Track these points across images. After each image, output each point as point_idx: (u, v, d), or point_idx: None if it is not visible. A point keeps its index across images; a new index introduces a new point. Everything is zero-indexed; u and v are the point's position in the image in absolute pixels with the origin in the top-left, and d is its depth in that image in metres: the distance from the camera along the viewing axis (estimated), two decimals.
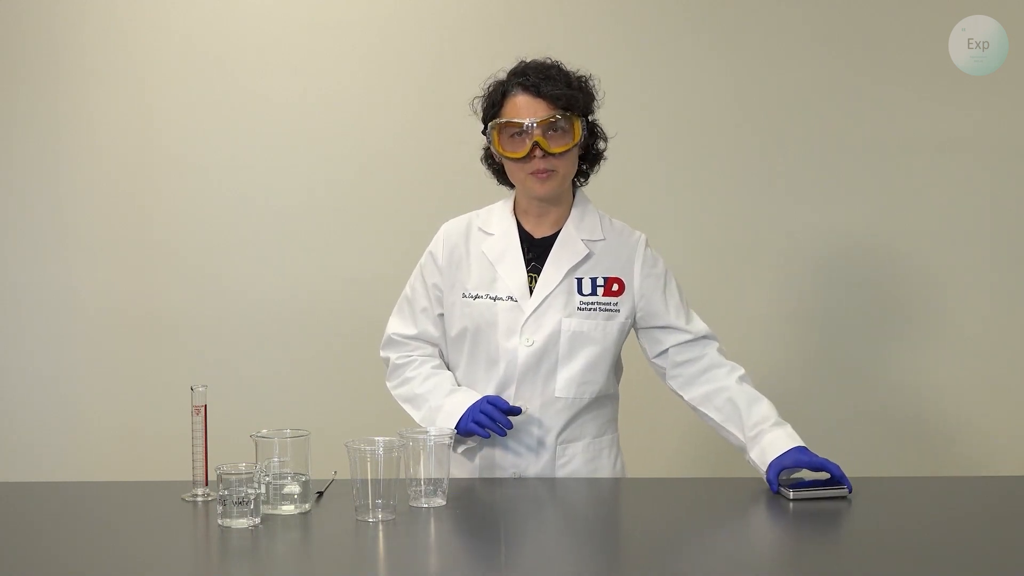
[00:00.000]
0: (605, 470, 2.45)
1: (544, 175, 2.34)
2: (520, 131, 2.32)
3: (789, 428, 2.35)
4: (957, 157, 3.55)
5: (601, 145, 2.47)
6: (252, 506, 1.99)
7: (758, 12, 3.54)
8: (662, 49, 3.55)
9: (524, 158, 2.32)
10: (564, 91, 2.32)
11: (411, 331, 2.50)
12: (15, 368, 3.61)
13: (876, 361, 3.59)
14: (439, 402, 2.38)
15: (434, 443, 2.11)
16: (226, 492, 1.99)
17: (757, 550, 1.92)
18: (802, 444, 2.29)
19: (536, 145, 2.30)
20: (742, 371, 2.45)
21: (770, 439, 2.31)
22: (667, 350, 2.47)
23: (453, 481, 2.41)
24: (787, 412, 3.53)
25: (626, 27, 3.55)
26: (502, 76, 2.39)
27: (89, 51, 3.55)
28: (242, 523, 1.99)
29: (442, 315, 2.49)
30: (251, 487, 1.99)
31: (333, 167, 3.57)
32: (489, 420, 2.29)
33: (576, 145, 2.35)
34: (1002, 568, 1.82)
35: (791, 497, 2.18)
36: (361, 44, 3.56)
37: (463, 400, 2.35)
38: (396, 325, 2.53)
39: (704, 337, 2.48)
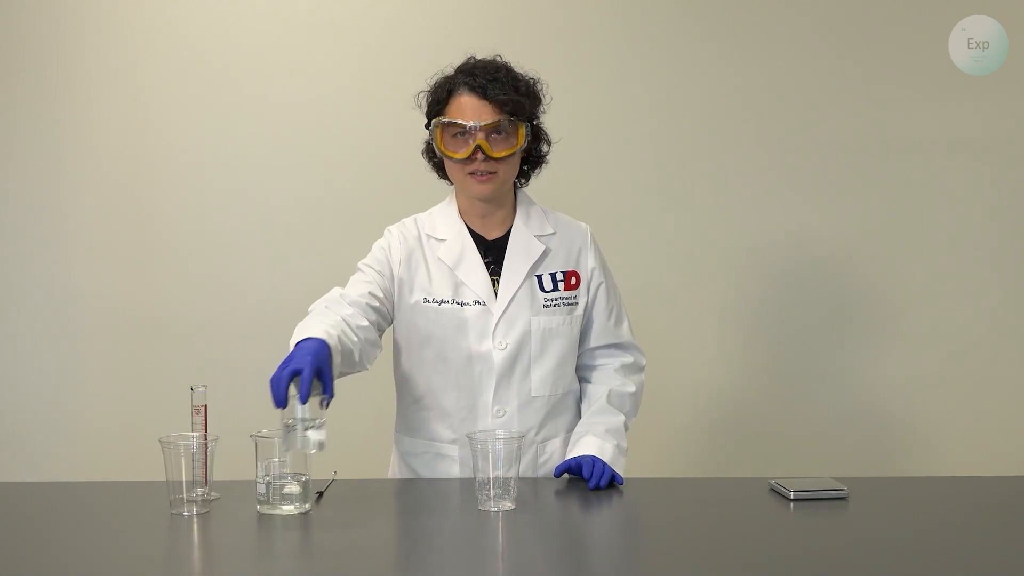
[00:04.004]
0: None
1: (484, 177, 2.35)
2: (463, 132, 2.32)
3: (607, 446, 2.37)
4: (957, 157, 3.55)
5: (544, 149, 2.47)
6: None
7: (757, 12, 3.54)
8: (661, 49, 3.55)
9: (466, 159, 2.33)
10: (511, 96, 2.31)
11: (365, 300, 2.34)
12: (15, 368, 3.61)
13: (875, 362, 3.59)
14: (308, 328, 2.16)
15: (503, 445, 2.11)
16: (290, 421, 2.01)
17: (757, 550, 1.92)
18: (597, 455, 2.33)
19: (478, 148, 2.31)
20: (632, 388, 2.51)
21: (582, 443, 2.38)
22: (589, 349, 2.52)
23: (441, 482, 2.41)
24: (783, 411, 3.56)
25: (625, 27, 3.55)
26: (449, 72, 2.39)
27: (89, 51, 3.55)
28: (313, 451, 2.04)
29: (387, 304, 2.40)
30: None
31: (333, 167, 3.57)
32: (274, 387, 2.00)
33: (519, 149, 2.35)
34: (1002, 568, 1.82)
35: (791, 497, 2.19)
36: (361, 44, 3.56)
37: (305, 346, 2.09)
38: (343, 291, 2.38)
39: (622, 345, 2.53)
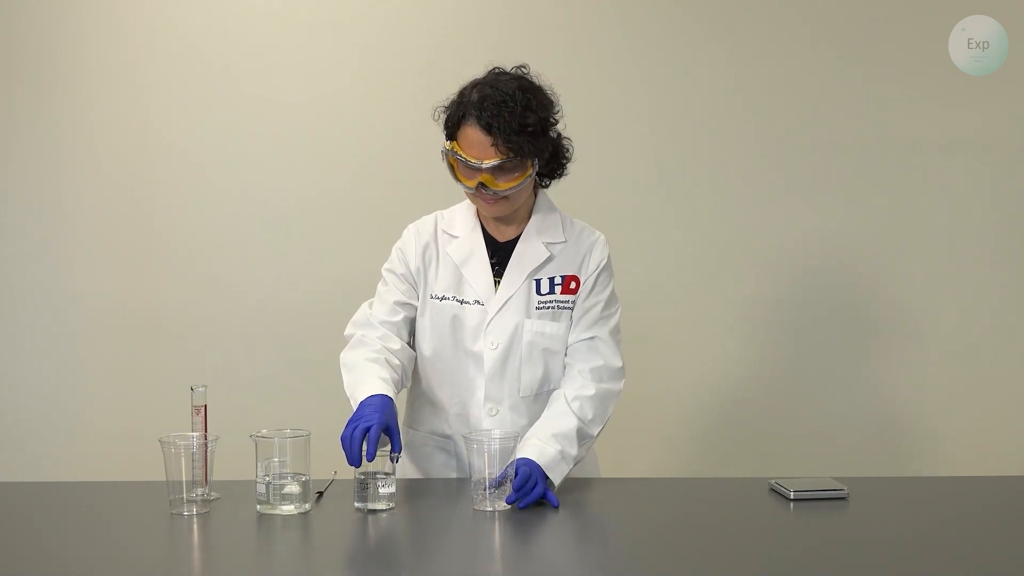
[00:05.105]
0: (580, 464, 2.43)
1: (491, 200, 2.36)
2: (470, 164, 2.32)
3: (548, 448, 2.26)
4: (957, 157, 3.55)
5: (564, 161, 2.44)
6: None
7: (757, 12, 3.54)
8: (661, 49, 3.55)
9: (472, 190, 2.34)
10: (514, 137, 2.28)
11: (394, 318, 2.42)
12: (15, 368, 3.60)
13: (874, 362, 3.59)
14: (367, 380, 2.27)
15: (499, 444, 2.10)
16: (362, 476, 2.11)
17: (757, 550, 1.92)
18: (534, 459, 2.21)
19: (482, 184, 2.31)
20: (591, 391, 2.38)
21: (524, 446, 2.27)
22: (569, 344, 2.44)
23: (438, 481, 2.42)
24: (783, 411, 3.56)
25: (625, 27, 3.55)
26: (466, 90, 2.35)
27: (89, 51, 3.55)
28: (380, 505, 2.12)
29: (408, 304, 2.44)
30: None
31: (333, 167, 3.57)
32: (347, 445, 2.10)
33: (527, 179, 2.33)
34: (1002, 568, 1.83)
35: (791, 497, 2.19)
36: (361, 44, 3.56)
37: (372, 402, 2.19)
38: (372, 311, 2.45)
39: (596, 343, 2.43)
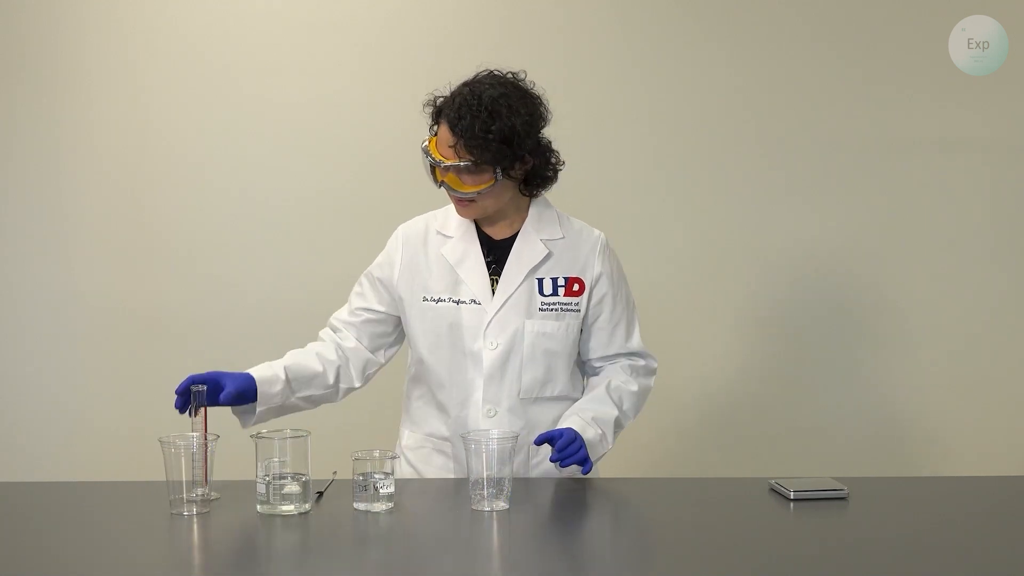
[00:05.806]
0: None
1: (463, 204, 2.36)
2: (434, 162, 2.33)
3: (589, 429, 2.32)
4: (957, 157, 3.55)
5: (546, 169, 2.40)
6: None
7: (757, 12, 3.54)
8: (661, 49, 3.55)
9: (437, 186, 2.36)
10: (477, 141, 2.27)
11: (354, 319, 2.50)
12: (15, 368, 3.61)
13: (874, 362, 3.59)
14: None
15: (496, 444, 2.11)
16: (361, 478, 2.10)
17: (757, 550, 1.92)
18: (574, 430, 2.28)
19: (443, 183, 2.33)
20: (635, 387, 2.46)
21: (566, 421, 2.35)
22: (597, 357, 2.49)
23: (437, 482, 2.41)
24: (783, 411, 3.56)
25: (625, 27, 3.55)
26: (455, 86, 2.36)
27: (89, 51, 3.55)
28: (379, 507, 2.10)
29: (382, 314, 2.48)
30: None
31: (333, 167, 3.57)
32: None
33: (491, 187, 2.31)
34: (1002, 568, 1.83)
35: (791, 497, 2.19)
36: (361, 44, 3.56)
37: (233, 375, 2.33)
38: (338, 312, 2.54)
39: (629, 353, 2.49)
